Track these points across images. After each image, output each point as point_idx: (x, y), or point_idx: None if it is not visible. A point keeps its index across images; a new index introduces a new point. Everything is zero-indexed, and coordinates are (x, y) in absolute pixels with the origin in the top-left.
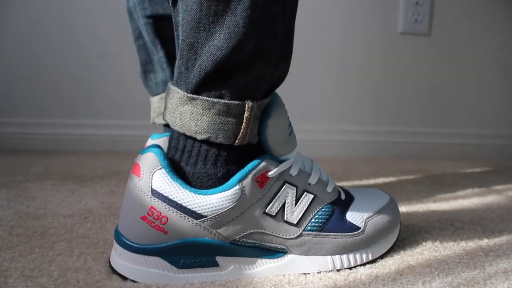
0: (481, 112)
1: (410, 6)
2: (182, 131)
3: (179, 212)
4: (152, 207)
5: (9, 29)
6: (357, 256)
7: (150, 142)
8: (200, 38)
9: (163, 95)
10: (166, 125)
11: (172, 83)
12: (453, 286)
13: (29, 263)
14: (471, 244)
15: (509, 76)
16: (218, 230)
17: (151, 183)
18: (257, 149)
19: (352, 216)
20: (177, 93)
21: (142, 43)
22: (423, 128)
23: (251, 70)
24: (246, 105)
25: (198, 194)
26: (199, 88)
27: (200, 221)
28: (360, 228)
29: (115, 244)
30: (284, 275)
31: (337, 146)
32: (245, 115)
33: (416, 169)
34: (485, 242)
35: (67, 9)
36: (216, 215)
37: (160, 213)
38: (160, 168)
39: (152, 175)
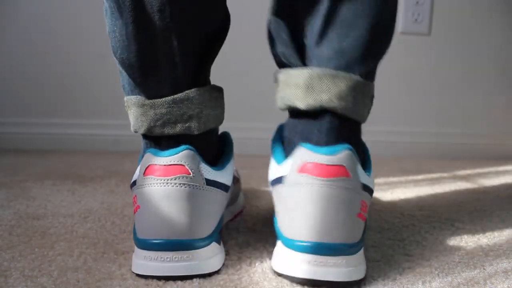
0: (481, 112)
1: (410, 6)
2: (353, 116)
3: (369, 195)
4: (363, 201)
5: (10, 29)
6: None
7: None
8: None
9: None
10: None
11: (333, 69)
12: (453, 286)
13: (29, 263)
14: (471, 244)
15: (509, 76)
16: None
17: (360, 178)
18: None
19: None
20: (349, 79)
21: None
22: (423, 128)
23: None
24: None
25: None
26: (368, 74)
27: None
28: None
29: (320, 258)
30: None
31: None
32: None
33: (416, 169)
34: (485, 242)
35: (67, 9)
36: None
37: (366, 203)
38: (358, 163)
39: (358, 171)
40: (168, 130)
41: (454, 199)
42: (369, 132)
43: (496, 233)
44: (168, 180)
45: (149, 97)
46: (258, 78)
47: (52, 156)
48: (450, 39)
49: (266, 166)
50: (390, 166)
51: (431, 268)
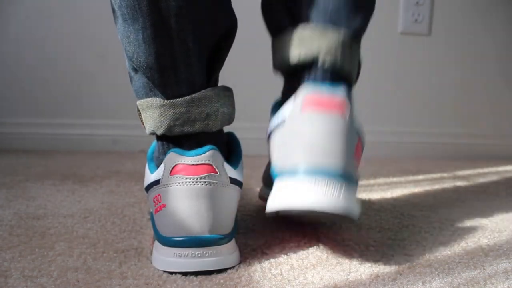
0: (481, 112)
1: (410, 6)
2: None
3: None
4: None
5: (8, 29)
6: None
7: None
8: None
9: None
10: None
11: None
12: (453, 286)
13: (29, 263)
14: (471, 244)
15: (509, 76)
16: None
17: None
18: None
19: None
20: None
21: None
22: (423, 128)
23: None
24: None
25: None
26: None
27: None
28: None
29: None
30: (282, 275)
31: None
32: None
33: (416, 169)
34: (485, 242)
35: (66, 9)
36: None
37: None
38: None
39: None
40: (187, 129)
41: (454, 199)
42: (369, 132)
43: (496, 233)
44: (197, 178)
45: (167, 97)
46: (258, 78)
47: (52, 156)
48: (450, 39)
49: (265, 166)
50: (390, 166)
51: (431, 268)
